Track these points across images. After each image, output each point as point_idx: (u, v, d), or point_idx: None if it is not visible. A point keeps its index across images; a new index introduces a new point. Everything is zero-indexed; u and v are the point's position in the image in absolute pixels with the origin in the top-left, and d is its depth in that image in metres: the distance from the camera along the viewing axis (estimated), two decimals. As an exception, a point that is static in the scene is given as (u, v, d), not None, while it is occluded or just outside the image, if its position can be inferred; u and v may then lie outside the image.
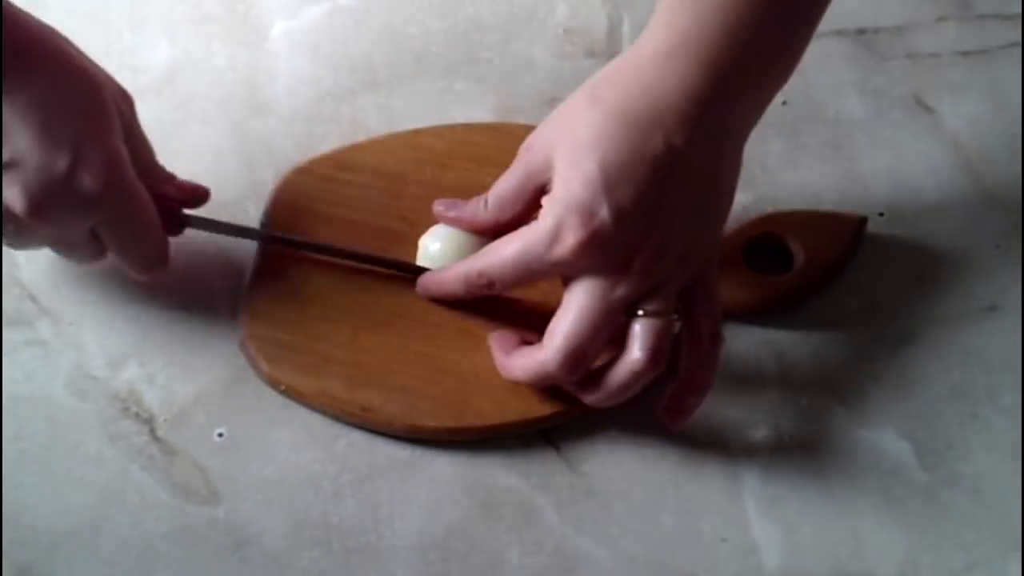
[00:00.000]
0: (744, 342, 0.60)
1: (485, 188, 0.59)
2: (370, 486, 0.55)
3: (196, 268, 0.60)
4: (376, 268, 0.58)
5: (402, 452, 0.56)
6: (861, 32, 0.71)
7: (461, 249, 0.57)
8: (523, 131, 0.62)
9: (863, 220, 0.63)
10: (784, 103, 0.67)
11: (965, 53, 0.70)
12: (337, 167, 0.62)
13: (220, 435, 0.56)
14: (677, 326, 0.52)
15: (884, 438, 0.58)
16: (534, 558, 0.54)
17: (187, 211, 0.57)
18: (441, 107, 0.66)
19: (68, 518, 0.54)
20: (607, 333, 0.52)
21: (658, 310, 0.51)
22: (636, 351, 0.51)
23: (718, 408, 0.58)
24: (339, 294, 0.58)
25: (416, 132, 0.63)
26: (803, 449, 0.57)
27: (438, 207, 0.58)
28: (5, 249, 0.60)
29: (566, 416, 0.56)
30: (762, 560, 0.54)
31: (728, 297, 0.59)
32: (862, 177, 0.65)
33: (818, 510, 0.56)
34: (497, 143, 0.61)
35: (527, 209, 0.54)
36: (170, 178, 0.57)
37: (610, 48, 0.68)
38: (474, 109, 0.66)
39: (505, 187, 0.55)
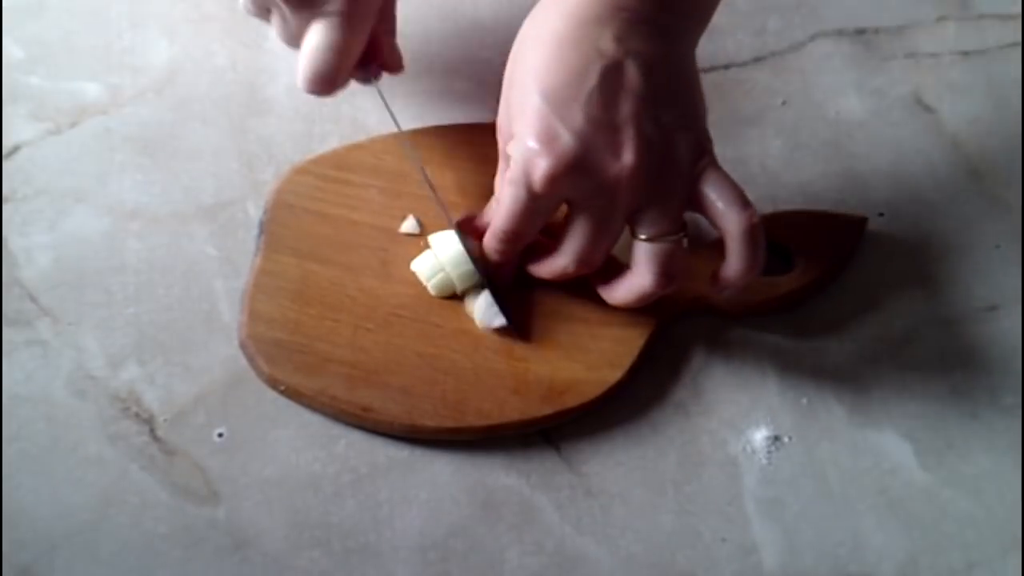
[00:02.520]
0: (744, 342, 0.60)
1: (485, 188, 0.59)
2: (370, 486, 0.55)
3: (196, 268, 0.60)
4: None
5: (402, 452, 0.56)
6: (861, 32, 0.71)
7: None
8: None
9: (863, 220, 0.63)
10: (784, 103, 0.67)
11: (965, 53, 0.70)
12: (337, 167, 0.62)
13: (220, 435, 0.56)
14: (686, 244, 0.53)
15: (884, 438, 0.58)
16: (534, 558, 0.54)
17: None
18: (441, 107, 0.66)
19: (68, 518, 0.54)
20: (609, 242, 0.53)
21: (658, 232, 0.52)
22: (643, 274, 0.53)
23: (718, 408, 0.58)
24: (339, 294, 0.58)
25: (416, 132, 0.64)
26: (803, 449, 0.57)
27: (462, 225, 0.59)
28: (5, 249, 0.60)
29: (566, 416, 0.57)
30: (762, 560, 0.55)
31: (728, 297, 0.59)
32: (862, 177, 0.65)
33: (818, 510, 0.56)
34: (497, 143, 0.61)
35: None
36: (391, 33, 0.59)
37: (610, 48, 0.68)
38: (474, 109, 0.66)
39: (499, 179, 0.57)
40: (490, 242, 0.56)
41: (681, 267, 0.53)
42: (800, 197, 0.64)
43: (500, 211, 0.54)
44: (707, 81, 0.67)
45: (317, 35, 0.54)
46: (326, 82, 0.55)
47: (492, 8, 0.70)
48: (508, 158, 0.53)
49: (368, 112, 0.66)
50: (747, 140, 0.66)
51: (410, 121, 0.64)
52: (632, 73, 0.51)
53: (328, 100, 0.66)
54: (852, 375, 0.59)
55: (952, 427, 0.58)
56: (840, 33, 0.71)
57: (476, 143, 0.62)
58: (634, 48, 0.51)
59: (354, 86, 0.66)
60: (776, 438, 0.57)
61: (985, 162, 0.66)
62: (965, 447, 0.58)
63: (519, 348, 0.57)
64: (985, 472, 0.57)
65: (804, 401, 0.59)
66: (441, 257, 0.57)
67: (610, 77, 0.50)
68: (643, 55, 0.51)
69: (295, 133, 0.64)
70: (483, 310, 0.57)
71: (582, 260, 0.54)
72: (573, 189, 0.52)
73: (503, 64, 0.68)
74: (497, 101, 0.66)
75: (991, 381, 0.59)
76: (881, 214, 0.64)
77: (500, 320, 0.57)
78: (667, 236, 0.52)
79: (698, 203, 0.53)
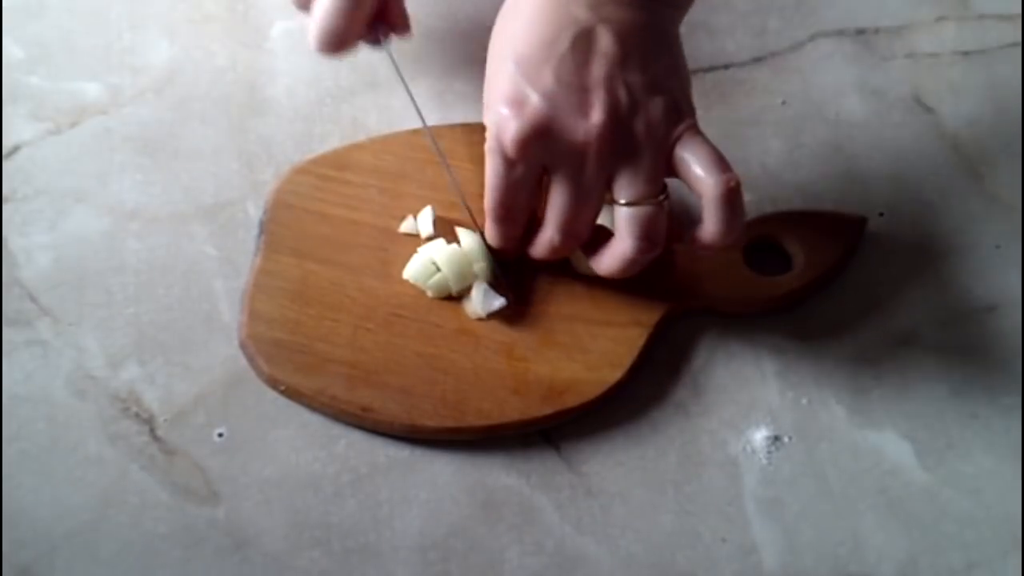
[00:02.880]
0: (744, 342, 0.60)
1: (484, 188, 0.59)
2: (370, 486, 0.55)
3: (196, 268, 0.60)
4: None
5: (402, 452, 0.56)
6: (861, 32, 0.71)
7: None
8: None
9: (863, 220, 0.63)
10: (784, 103, 0.67)
11: (965, 53, 0.70)
12: (337, 167, 0.62)
13: (220, 435, 0.56)
14: (667, 206, 0.53)
15: (884, 438, 0.58)
16: (534, 558, 0.54)
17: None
18: (441, 107, 0.66)
19: (68, 518, 0.54)
20: (592, 209, 0.54)
21: (636, 196, 0.52)
22: (624, 239, 0.53)
23: (718, 408, 0.58)
24: (339, 294, 0.58)
25: (416, 132, 0.63)
26: (803, 449, 0.57)
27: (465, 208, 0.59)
28: (5, 249, 0.60)
29: (566, 416, 0.56)
30: (762, 560, 0.55)
31: (728, 297, 0.60)
32: (862, 177, 0.65)
33: (818, 510, 0.56)
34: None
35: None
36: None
37: (610, 48, 0.68)
38: (474, 109, 0.66)
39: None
40: (488, 226, 0.57)
41: (662, 230, 0.53)
42: (800, 197, 0.64)
43: (487, 183, 0.55)
44: (707, 81, 0.68)
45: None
46: (336, 41, 0.55)
47: (492, 8, 0.70)
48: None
49: (368, 112, 0.66)
50: (747, 140, 0.66)
51: (411, 121, 0.64)
52: (604, 38, 0.51)
53: (328, 100, 0.66)
54: (852, 375, 0.59)
55: (952, 427, 0.58)
56: (840, 33, 0.71)
57: (476, 143, 0.62)
58: (607, 15, 0.51)
59: (355, 86, 0.66)
60: (776, 438, 0.57)
61: (985, 162, 0.66)
62: (965, 447, 0.58)
63: (519, 348, 0.57)
64: (985, 472, 0.57)
65: (804, 401, 0.59)
66: (436, 258, 0.57)
67: (581, 42, 0.51)
68: (616, 22, 0.52)
69: (295, 133, 0.64)
70: (481, 298, 0.57)
71: (565, 230, 0.54)
72: (545, 152, 0.52)
73: (503, 64, 0.68)
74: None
75: (991, 381, 0.59)
76: (881, 214, 0.64)
77: (499, 301, 0.57)
78: (647, 200, 0.52)
79: (676, 168, 0.53)
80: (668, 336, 0.60)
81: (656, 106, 0.52)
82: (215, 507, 0.54)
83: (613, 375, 0.57)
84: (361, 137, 0.64)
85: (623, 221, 0.53)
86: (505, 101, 0.51)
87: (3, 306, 0.58)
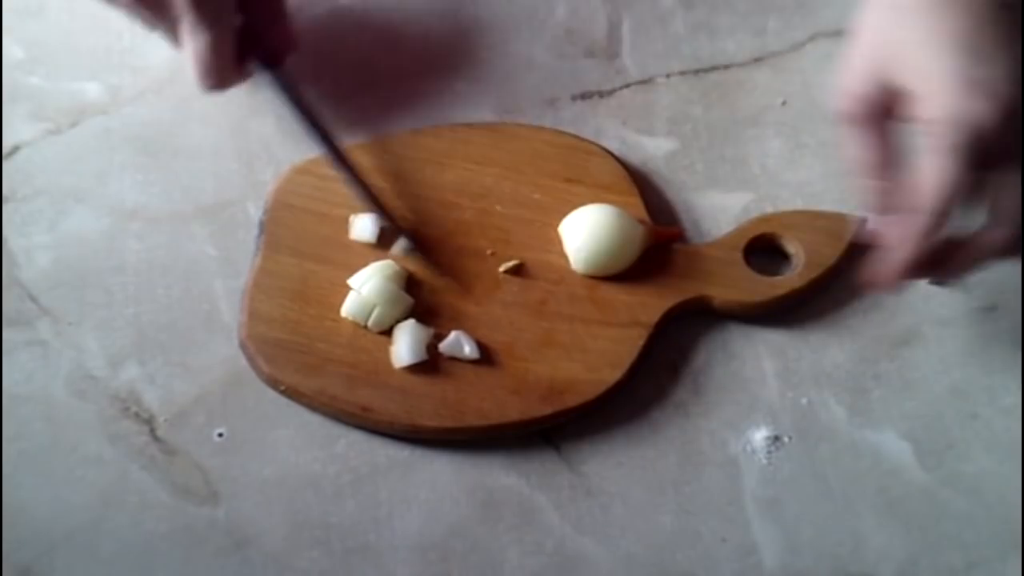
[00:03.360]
0: (744, 342, 0.60)
1: (485, 188, 0.59)
2: (370, 486, 0.55)
3: (196, 268, 0.60)
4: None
5: (402, 452, 0.56)
6: (861, 32, 0.71)
7: None
8: (523, 131, 0.62)
9: (863, 220, 0.63)
10: (784, 103, 0.67)
11: (965, 53, 0.70)
12: (337, 167, 0.62)
13: (220, 435, 0.56)
14: None
15: (884, 438, 0.58)
16: (534, 558, 0.54)
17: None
18: (441, 107, 0.66)
19: (68, 518, 0.54)
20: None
21: None
22: (1006, 225, 0.49)
23: (718, 408, 0.58)
24: (339, 294, 0.58)
25: (416, 132, 0.64)
26: (803, 449, 0.57)
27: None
28: (5, 249, 0.60)
29: (566, 416, 0.56)
30: (762, 560, 0.55)
31: (728, 297, 0.60)
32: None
33: (818, 510, 0.56)
34: (497, 143, 0.62)
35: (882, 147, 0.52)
36: (276, 20, 0.60)
37: (610, 48, 0.68)
38: (474, 109, 0.66)
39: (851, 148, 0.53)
40: (912, 233, 0.50)
41: None
42: (800, 197, 0.64)
43: (928, 193, 0.49)
44: (707, 81, 0.68)
45: (185, 41, 0.57)
46: (212, 81, 0.58)
47: (492, 8, 0.70)
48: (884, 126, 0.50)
49: (368, 112, 0.66)
50: (747, 140, 0.66)
51: (411, 121, 0.65)
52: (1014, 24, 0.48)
53: (327, 100, 0.66)
54: (852, 375, 0.59)
55: (952, 427, 0.58)
56: (840, 33, 0.70)
57: (476, 143, 0.62)
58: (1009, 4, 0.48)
59: (355, 86, 0.66)
60: (776, 438, 0.57)
61: (985, 162, 0.66)
62: (965, 447, 0.58)
63: (519, 348, 0.57)
64: (985, 472, 0.57)
65: (804, 401, 0.59)
66: (367, 294, 0.57)
67: (1008, 23, 0.48)
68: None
69: (295, 133, 0.64)
70: (407, 345, 0.56)
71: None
72: (1015, 135, 0.48)
73: (503, 64, 0.68)
74: (497, 101, 0.66)
75: (991, 381, 0.59)
76: (881, 214, 0.64)
77: (418, 357, 0.56)
78: None
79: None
80: (668, 336, 0.60)
81: None
82: (215, 507, 0.54)
83: (613, 375, 0.57)
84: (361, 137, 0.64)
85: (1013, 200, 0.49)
86: (969, 87, 0.47)
87: (3, 306, 0.58)
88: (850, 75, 0.51)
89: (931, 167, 0.49)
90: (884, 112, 0.51)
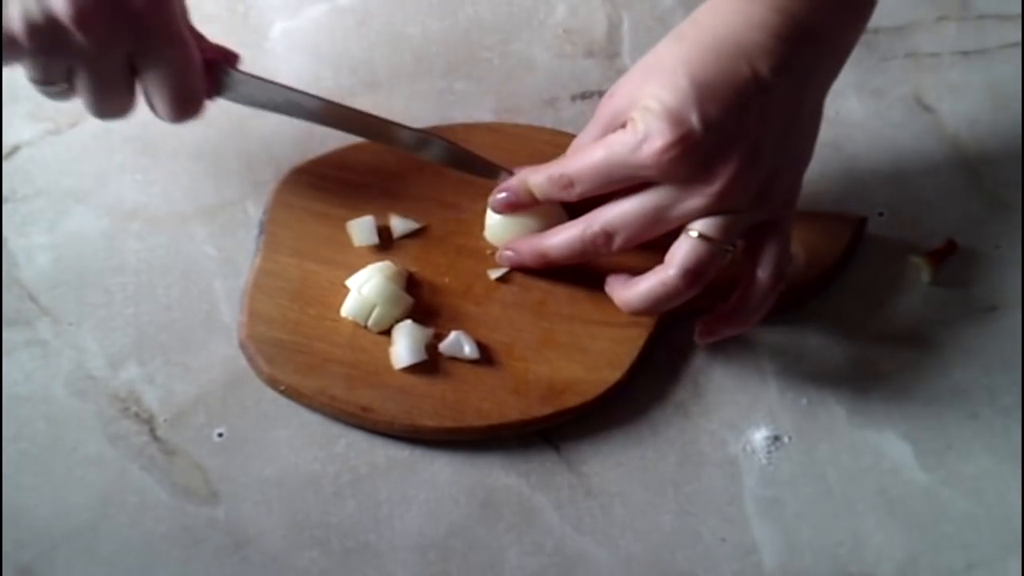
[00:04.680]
0: (744, 342, 0.60)
1: (485, 188, 0.59)
2: (370, 486, 0.55)
3: (196, 268, 0.60)
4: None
5: (402, 452, 0.56)
6: (861, 32, 0.71)
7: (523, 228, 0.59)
8: (523, 131, 0.62)
9: (863, 220, 0.63)
10: (784, 103, 0.67)
11: (965, 53, 0.70)
12: (337, 167, 0.62)
13: (220, 435, 0.56)
14: (728, 258, 0.53)
15: (884, 438, 0.58)
16: (534, 558, 0.54)
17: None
18: (441, 107, 0.66)
19: (68, 518, 0.54)
20: (651, 232, 0.54)
21: (712, 235, 0.52)
22: (671, 267, 0.53)
23: (718, 408, 0.58)
24: (339, 294, 0.58)
25: (416, 132, 0.64)
26: (803, 449, 0.57)
27: (497, 204, 0.58)
28: (5, 249, 0.60)
29: (566, 416, 0.56)
30: (762, 560, 0.54)
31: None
32: (862, 177, 0.65)
33: (818, 510, 0.56)
34: (497, 143, 0.61)
35: None
36: (200, 39, 0.55)
37: (610, 48, 0.68)
38: (474, 109, 0.66)
39: (585, 134, 0.56)
40: (539, 178, 0.56)
41: (709, 277, 0.53)
42: (800, 197, 0.64)
43: (579, 159, 0.54)
44: (707, 81, 0.67)
45: (152, 87, 0.52)
46: (191, 110, 0.54)
47: (492, 8, 0.70)
48: (612, 118, 0.54)
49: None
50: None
51: (410, 121, 0.64)
52: (775, 103, 0.52)
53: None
54: (852, 375, 0.59)
55: (952, 427, 0.58)
56: (840, 33, 0.71)
57: (476, 143, 0.62)
58: (783, 77, 0.52)
59: (355, 87, 0.66)
60: (776, 438, 0.57)
61: (985, 162, 0.66)
62: (965, 447, 0.58)
63: (519, 348, 0.57)
64: (985, 472, 0.57)
65: (804, 401, 0.59)
66: (368, 294, 0.57)
67: (757, 97, 0.51)
68: (789, 87, 0.52)
69: (295, 133, 0.64)
70: (405, 347, 0.56)
71: (612, 230, 0.54)
72: (672, 171, 0.51)
73: (503, 64, 0.68)
74: (497, 101, 0.67)
75: (991, 381, 0.59)
76: (881, 214, 0.64)
77: (417, 357, 0.56)
78: (720, 243, 0.52)
79: (753, 235, 0.54)
80: (668, 336, 0.60)
81: (785, 180, 0.53)
82: (215, 507, 0.54)
83: (613, 375, 0.57)
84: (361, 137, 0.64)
85: (683, 249, 0.52)
86: (668, 113, 0.51)
87: (3, 306, 0.58)
88: (621, 83, 0.55)
89: (597, 142, 0.54)
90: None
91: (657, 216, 0.53)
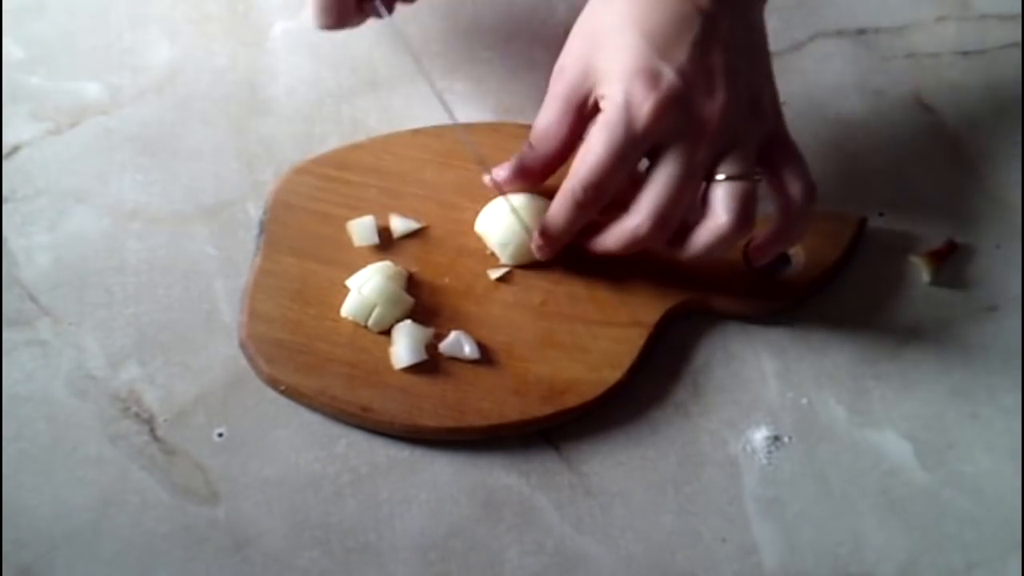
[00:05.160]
0: (744, 342, 0.60)
1: (486, 188, 0.59)
2: (370, 486, 0.55)
3: (196, 268, 0.60)
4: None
5: (402, 452, 0.56)
6: (861, 32, 0.71)
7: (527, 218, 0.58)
8: (523, 131, 0.62)
9: (863, 220, 0.63)
10: (784, 103, 0.67)
11: (965, 53, 0.70)
12: (337, 167, 0.62)
13: (220, 435, 0.56)
14: (760, 185, 0.54)
15: (884, 438, 0.58)
16: (534, 558, 0.54)
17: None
18: (441, 107, 0.66)
19: (68, 519, 0.54)
20: (691, 195, 0.54)
21: (738, 172, 0.53)
22: (721, 214, 0.53)
23: (718, 408, 0.58)
24: (339, 294, 0.58)
25: (416, 132, 0.64)
26: (803, 449, 0.57)
27: (491, 181, 0.59)
28: (5, 249, 0.60)
29: (566, 416, 0.56)
30: (762, 560, 0.55)
31: (728, 297, 0.60)
32: (862, 177, 0.65)
33: (818, 510, 0.56)
34: (497, 143, 0.61)
35: (573, 133, 0.55)
36: None
37: (610, 48, 0.68)
38: (474, 109, 0.66)
39: (546, 116, 0.56)
40: (566, 201, 0.55)
41: (755, 210, 0.53)
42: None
43: (588, 160, 0.53)
44: (707, 81, 0.67)
45: None
46: (334, 13, 0.56)
47: (492, 8, 0.70)
48: (569, 91, 0.54)
49: (368, 112, 0.66)
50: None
51: (411, 121, 0.65)
52: (726, 29, 0.53)
53: (328, 100, 0.66)
54: (852, 375, 0.59)
55: (952, 427, 0.58)
56: (840, 33, 0.71)
57: (474, 143, 0.62)
58: (726, 10, 0.53)
59: (355, 86, 0.66)
60: (776, 438, 0.57)
61: (985, 162, 0.66)
62: (965, 447, 0.58)
63: (519, 348, 0.57)
64: (985, 472, 0.57)
65: (804, 401, 0.59)
66: (368, 294, 0.57)
67: (709, 28, 0.52)
68: (739, 16, 0.54)
69: (295, 133, 0.64)
70: (405, 346, 0.56)
71: (661, 214, 0.53)
72: (672, 126, 0.52)
73: (503, 64, 0.68)
74: (497, 101, 0.67)
75: (991, 381, 0.59)
76: (881, 214, 0.64)
77: (418, 357, 0.56)
78: (747, 176, 0.53)
79: (766, 160, 0.54)
80: (668, 336, 0.60)
81: (767, 97, 0.54)
82: (215, 507, 0.54)
83: (613, 375, 0.57)
84: (361, 137, 0.64)
85: (722, 196, 0.53)
86: (639, 75, 0.51)
87: (3, 306, 0.58)
88: (566, 56, 0.55)
89: (589, 140, 0.53)
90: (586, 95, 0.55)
91: (684, 182, 0.53)
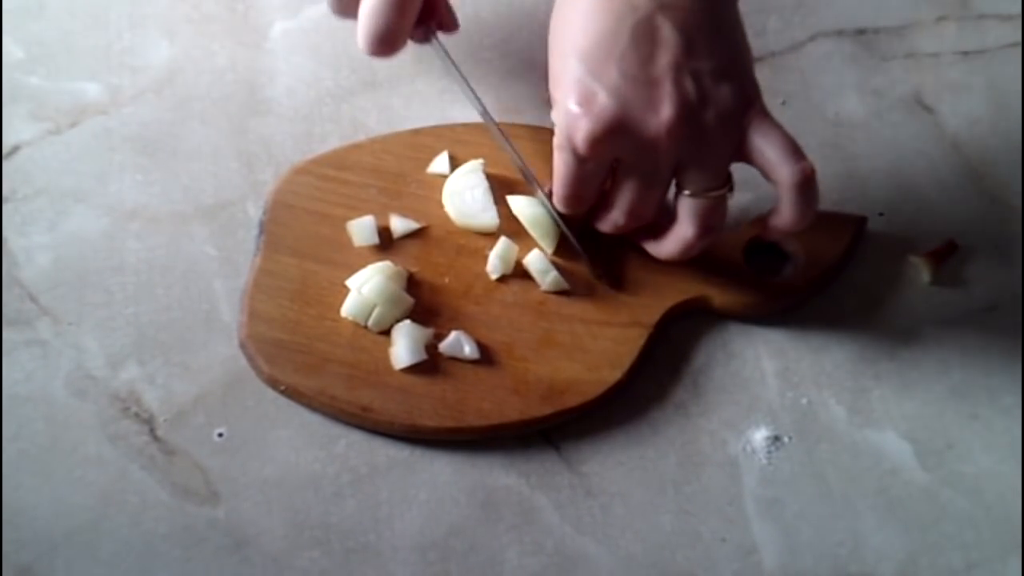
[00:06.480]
0: (744, 342, 0.60)
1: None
2: (370, 486, 0.55)
3: (196, 268, 0.60)
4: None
5: (402, 452, 0.56)
6: (861, 32, 0.71)
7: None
8: (523, 131, 0.62)
9: (863, 220, 0.63)
10: (784, 103, 0.67)
11: (965, 53, 0.70)
12: (337, 167, 0.62)
13: (220, 435, 0.56)
14: (730, 196, 0.54)
15: (884, 438, 0.58)
16: (534, 558, 0.54)
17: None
18: (441, 107, 0.66)
19: (68, 518, 0.54)
20: (653, 202, 0.55)
21: (702, 188, 0.53)
22: (687, 228, 0.54)
23: (718, 408, 0.58)
24: (339, 294, 0.58)
25: (416, 132, 0.64)
26: (803, 449, 0.57)
27: (544, 197, 0.59)
28: (5, 249, 0.60)
29: (566, 416, 0.56)
30: (762, 560, 0.55)
31: (728, 297, 0.60)
32: (862, 177, 0.65)
33: (818, 510, 0.56)
34: (497, 143, 0.61)
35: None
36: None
37: (610, 48, 0.68)
38: (474, 109, 0.66)
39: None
40: (557, 204, 0.57)
41: (722, 219, 0.54)
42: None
43: (555, 177, 0.55)
44: (707, 81, 0.67)
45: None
46: (387, 41, 0.55)
47: (492, 8, 0.70)
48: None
49: (368, 112, 0.66)
50: None
51: (410, 121, 0.64)
52: (665, 26, 0.50)
53: (328, 100, 0.66)
54: (852, 375, 0.59)
55: (952, 427, 0.58)
56: (840, 33, 0.71)
57: (474, 143, 0.62)
58: (667, 1, 0.50)
59: (355, 87, 0.66)
60: (776, 438, 0.57)
61: (985, 162, 0.66)
62: (965, 447, 0.58)
63: (519, 348, 0.57)
64: (985, 472, 0.57)
65: (804, 401, 0.59)
66: (368, 294, 0.57)
67: (642, 32, 0.50)
68: (678, 7, 0.51)
69: (295, 133, 0.64)
70: (404, 346, 0.56)
71: (631, 213, 0.55)
72: (617, 149, 0.52)
73: (503, 64, 0.68)
74: (497, 101, 0.67)
75: (991, 381, 0.59)
76: (881, 214, 0.64)
77: (417, 357, 0.56)
78: (711, 192, 0.53)
79: (747, 153, 0.53)
80: (668, 336, 0.60)
81: (724, 94, 0.51)
82: (215, 507, 0.54)
83: (613, 375, 0.57)
84: (361, 137, 0.64)
85: (686, 210, 0.54)
86: (574, 99, 0.51)
87: (3, 306, 0.58)
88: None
89: (555, 158, 0.54)
90: None
91: (641, 194, 0.54)
